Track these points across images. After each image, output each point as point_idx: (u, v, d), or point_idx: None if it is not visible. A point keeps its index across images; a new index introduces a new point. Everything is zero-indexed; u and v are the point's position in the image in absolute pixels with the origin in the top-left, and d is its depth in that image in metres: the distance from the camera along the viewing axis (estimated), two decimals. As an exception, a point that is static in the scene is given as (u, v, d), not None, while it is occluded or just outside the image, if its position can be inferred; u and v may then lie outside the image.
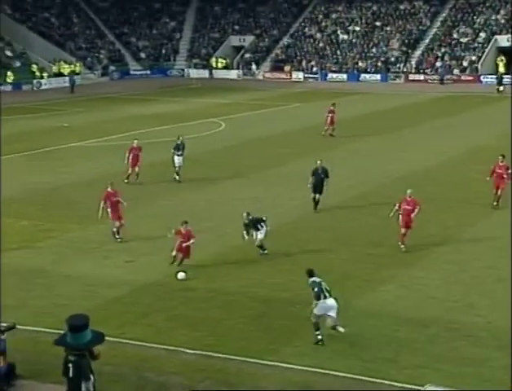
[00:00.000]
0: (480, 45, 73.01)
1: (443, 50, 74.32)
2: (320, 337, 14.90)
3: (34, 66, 71.19)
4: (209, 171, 31.64)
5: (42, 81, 69.96)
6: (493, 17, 75.27)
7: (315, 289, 15.14)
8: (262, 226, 20.19)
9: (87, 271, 19.62)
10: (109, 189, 22.43)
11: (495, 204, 24.43)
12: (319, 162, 24.89)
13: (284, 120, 46.92)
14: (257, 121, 47.31)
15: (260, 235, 20.09)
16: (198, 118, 47.37)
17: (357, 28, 79.82)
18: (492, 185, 24.56)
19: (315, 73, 75.29)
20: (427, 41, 76.02)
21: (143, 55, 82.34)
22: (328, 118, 39.77)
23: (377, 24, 79.67)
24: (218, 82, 72.41)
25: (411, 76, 71.53)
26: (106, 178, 26.72)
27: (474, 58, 71.87)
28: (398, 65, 74.02)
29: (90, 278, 19.09)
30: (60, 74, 71.91)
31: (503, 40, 71.94)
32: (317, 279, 15.44)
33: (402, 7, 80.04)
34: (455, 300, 17.25)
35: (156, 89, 67.21)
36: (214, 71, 78.66)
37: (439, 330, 15.74)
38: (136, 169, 29.27)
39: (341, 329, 14.99)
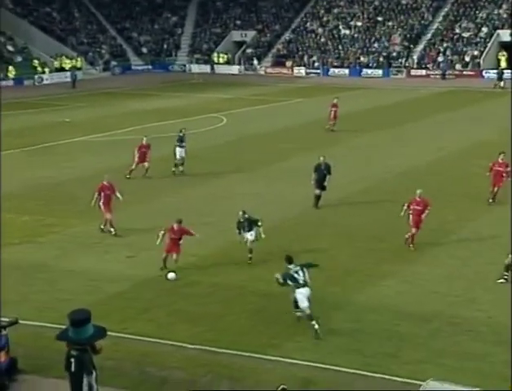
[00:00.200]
0: (482, 40, 72.88)
1: (445, 44, 74.20)
2: (316, 327, 14.90)
3: (36, 61, 71.19)
4: (210, 166, 31.65)
5: (44, 76, 69.96)
6: (495, 12, 75.11)
7: (295, 275, 15.30)
8: (254, 228, 19.57)
9: (89, 266, 19.65)
10: (105, 182, 22.59)
11: (490, 201, 24.38)
12: (322, 158, 24.85)
13: (286, 116, 46.90)
14: (258, 117, 47.29)
15: (251, 237, 19.51)
16: (200, 113, 47.35)
17: (359, 23, 79.71)
18: (490, 182, 24.52)
19: (317, 68, 75.23)
20: (429, 35, 75.91)
21: (144, 50, 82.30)
22: (332, 112, 39.77)
23: (379, 18, 79.54)
24: (219, 77, 72.37)
25: (413, 72, 71.43)
26: (110, 173, 26.80)
27: (476, 53, 71.76)
28: (400, 60, 73.92)
29: (92, 273, 19.13)
30: (62, 69, 71.91)
31: (505, 34, 71.73)
32: (296, 267, 15.52)
33: (404, 2, 79.90)
34: (457, 295, 17.27)
35: (157, 84, 67.18)
36: (215, 66, 78.61)
37: (441, 325, 15.76)
38: (146, 164, 29.39)
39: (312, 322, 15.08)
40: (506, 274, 17.56)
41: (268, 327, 15.78)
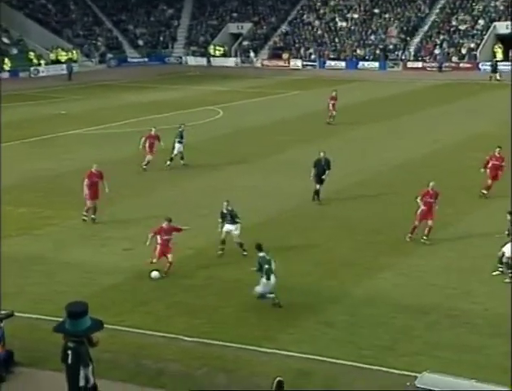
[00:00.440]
0: (479, 32, 72.82)
1: (441, 37, 74.12)
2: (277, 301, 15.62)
3: (31, 53, 70.95)
4: (208, 159, 31.62)
5: (40, 68, 69.73)
6: (492, 4, 75.02)
7: (266, 266, 15.70)
8: (237, 222, 19.35)
9: (86, 258, 19.64)
10: (93, 169, 22.75)
11: (484, 192, 24.32)
12: (322, 154, 24.78)
13: (283, 108, 46.83)
14: (255, 109, 47.23)
15: (236, 232, 19.28)
16: (196, 106, 47.27)
17: (355, 16, 79.55)
18: (488, 175, 24.47)
19: (314, 61, 75.10)
20: (426, 28, 75.82)
21: (140, 43, 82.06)
22: (330, 105, 39.78)
23: (376, 11, 79.40)
24: (216, 70, 72.22)
25: (409, 64, 71.37)
26: (109, 165, 26.85)
27: (472, 45, 71.69)
28: (396, 53, 73.82)
29: (88, 265, 19.12)
30: (58, 61, 71.66)
31: (502, 27, 71.72)
32: (267, 256, 15.78)
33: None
34: (453, 288, 17.29)
35: (154, 76, 67.03)
36: (212, 58, 78.41)
37: (438, 317, 15.78)
38: (149, 156, 29.36)
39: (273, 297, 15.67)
40: (501, 266, 17.60)
41: (264, 319, 15.80)
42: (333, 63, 73.74)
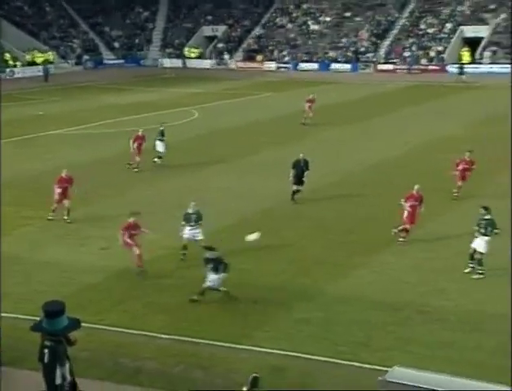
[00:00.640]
0: (446, 35, 73.50)
1: (410, 40, 74.68)
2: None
3: (7, 55, 70.18)
4: (183, 159, 31.49)
5: (16, 69, 69.02)
6: (459, 8, 75.79)
7: (212, 265, 16.11)
8: (199, 224, 19.17)
9: (64, 258, 19.45)
10: (63, 174, 22.87)
11: (456, 194, 24.45)
12: (301, 155, 24.77)
13: (257, 110, 46.83)
14: (230, 110, 47.16)
15: (200, 237, 19.03)
16: (172, 107, 47.08)
17: (327, 19, 79.87)
18: (458, 177, 24.56)
19: (287, 63, 75.24)
20: (396, 31, 76.34)
21: (116, 45, 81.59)
22: (307, 106, 39.93)
23: (347, 14, 79.78)
24: (191, 72, 72.01)
25: (380, 66, 71.79)
26: (89, 165, 26.65)
27: (440, 48, 72.33)
28: (367, 55, 74.24)
29: (66, 264, 18.93)
30: (34, 63, 70.99)
31: (469, 30, 72.52)
32: (213, 256, 16.15)
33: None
34: (426, 285, 17.34)
35: (130, 78, 66.64)
36: (187, 61, 78.21)
37: (411, 313, 15.83)
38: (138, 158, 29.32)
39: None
40: (472, 262, 17.71)
41: (239, 317, 15.76)
42: (305, 65, 73.93)
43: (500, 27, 72.32)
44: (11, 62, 69.56)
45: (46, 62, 69.90)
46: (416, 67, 70.17)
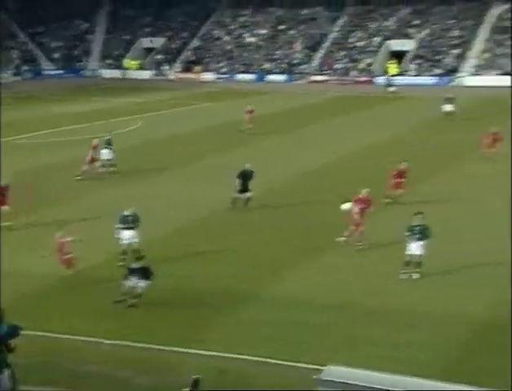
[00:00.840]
0: (374, 49, 74.88)
1: (341, 53, 75.77)
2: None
3: None
4: (126, 168, 31.02)
5: (-48, 79, 66.99)
6: (385, 23, 77.37)
7: (136, 273, 16.08)
8: (136, 226, 18.90)
9: (4, 265, 18.84)
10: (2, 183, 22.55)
11: (389, 200, 24.28)
12: (247, 165, 24.67)
13: (198, 119, 46.60)
14: (171, 120, 46.81)
15: (136, 239, 18.83)
16: (113, 117, 46.43)
17: (263, 31, 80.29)
18: (393, 185, 24.45)
19: (224, 74, 75.25)
20: (327, 44, 77.31)
21: (56, 56, 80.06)
22: (246, 117, 40.10)
23: (281, 27, 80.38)
24: (130, 82, 71.23)
25: (313, 78, 72.52)
26: (36, 173, 25.89)
27: (369, 61, 73.63)
28: (301, 67, 74.94)
29: (7, 272, 18.33)
30: (-29, 73, 69.09)
31: (395, 44, 74.10)
32: (139, 265, 16.13)
33: (303, 12, 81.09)
34: (368, 286, 17.35)
35: (69, 89, 65.49)
36: (126, 71, 77.36)
37: (353, 314, 15.76)
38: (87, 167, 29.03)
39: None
40: (406, 268, 17.60)
41: (183, 320, 15.53)
42: (242, 76, 74.08)
43: (424, 41, 74.14)
44: None
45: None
46: (346, 78, 71.20)
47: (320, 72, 73.70)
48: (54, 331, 14.89)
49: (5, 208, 22.20)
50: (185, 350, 14.04)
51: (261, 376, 13.13)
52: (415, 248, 17.47)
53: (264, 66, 75.41)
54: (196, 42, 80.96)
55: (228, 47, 79.32)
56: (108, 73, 77.27)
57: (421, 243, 17.46)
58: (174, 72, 77.00)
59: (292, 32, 79.50)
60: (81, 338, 14.61)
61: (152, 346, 14.21)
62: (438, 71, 69.98)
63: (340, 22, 79.47)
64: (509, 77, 64.82)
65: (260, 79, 72.96)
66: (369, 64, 73.03)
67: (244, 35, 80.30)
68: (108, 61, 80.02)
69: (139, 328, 15.15)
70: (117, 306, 16.15)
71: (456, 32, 73.95)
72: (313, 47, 76.85)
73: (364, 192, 20.28)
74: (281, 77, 73.05)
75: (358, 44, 76.10)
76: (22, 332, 10.68)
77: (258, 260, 19.37)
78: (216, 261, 19.29)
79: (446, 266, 17.92)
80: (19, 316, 12.49)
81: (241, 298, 16.59)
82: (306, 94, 61.35)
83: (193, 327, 15.18)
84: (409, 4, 77.47)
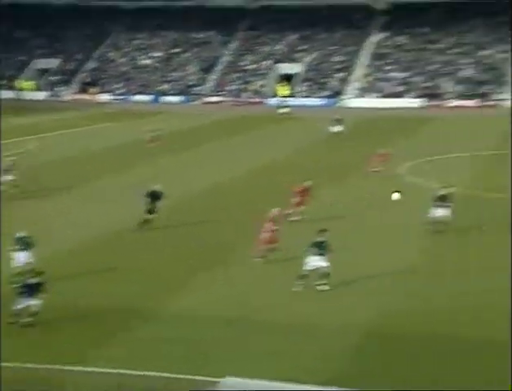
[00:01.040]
0: (265, 71, 76.28)
1: (234, 75, 76.64)
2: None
3: None
4: (23, 189, 29.91)
5: None
6: (275, 47, 79.04)
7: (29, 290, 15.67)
8: (30, 248, 18.49)
9: None
10: None
11: (295, 218, 24.05)
12: (156, 186, 24.31)
13: (96, 139, 45.70)
14: (69, 140, 45.67)
15: (28, 259, 18.32)
16: (10, 137, 44.68)
17: (158, 54, 79.98)
18: (297, 203, 24.26)
19: (121, 95, 74.27)
20: (220, 67, 78.00)
21: None
22: (148, 137, 39.92)
23: (177, 50, 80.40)
24: (25, 103, 68.91)
25: (208, 99, 72.88)
26: None
27: (260, 83, 74.88)
28: (196, 88, 75.15)
29: None
30: None
31: (285, 67, 75.83)
32: (34, 281, 15.79)
33: (197, 36, 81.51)
34: (260, 300, 17.40)
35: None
36: (21, 92, 74.79)
37: (252, 327, 15.78)
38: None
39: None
40: (301, 281, 17.78)
41: (81, 338, 15.15)
42: (139, 97, 73.37)
43: (311, 65, 76.26)
44: None
45: None
46: (239, 100, 72.04)
47: (215, 93, 74.21)
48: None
49: None
50: (84, 369, 13.66)
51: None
52: (318, 260, 17.61)
53: (160, 87, 75.06)
54: (91, 64, 79.55)
55: (124, 69, 78.42)
56: (1, 94, 74.40)
57: (323, 257, 17.63)
58: (69, 93, 75.19)
59: (186, 54, 79.68)
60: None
61: (42, 366, 13.70)
62: (325, 93, 72.13)
63: (232, 46, 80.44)
64: (388, 99, 67.87)
65: (156, 100, 72.53)
66: (261, 86, 74.27)
67: (139, 57, 79.67)
68: (1, 82, 77.12)
69: (37, 348, 14.62)
70: (13, 327, 15.52)
71: (339, 58, 76.58)
72: (207, 69, 77.33)
73: (273, 211, 20.42)
74: (177, 99, 72.94)
75: (249, 67, 77.30)
76: None
77: (157, 278, 19.18)
78: (116, 279, 18.95)
79: (341, 279, 18.18)
80: None
81: (141, 316, 16.38)
82: (202, 114, 61.55)
83: (93, 344, 14.81)
84: (296, 30, 79.56)
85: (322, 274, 17.67)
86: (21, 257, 18.37)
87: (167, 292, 18.12)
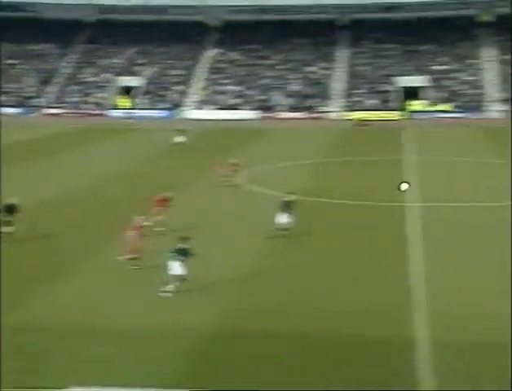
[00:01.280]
0: (105, 84, 74.91)
1: (74, 87, 74.44)
2: None
3: None
4: None
5: None
6: (115, 61, 77.90)
7: None
8: None
9: None
10: None
11: (160, 228, 23.23)
12: (13, 199, 23.03)
13: None
14: None
15: None
16: None
17: (-7, 66, 75.79)
18: (157, 213, 23.75)
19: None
20: (60, 79, 75.43)
21: None
22: None
23: (14, 61, 76.58)
24: None
25: (48, 110, 70.16)
26: None
27: (101, 95, 73.39)
28: (35, 100, 72.07)
29: None
30: None
31: (125, 80, 74.97)
32: None
33: (34, 48, 78.24)
34: (118, 307, 16.87)
35: None
36: None
37: (99, 335, 15.17)
38: None
39: None
40: (167, 287, 17.51)
41: None
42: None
43: (151, 78, 76.06)
44: None
45: None
46: (78, 111, 70.16)
47: (55, 105, 71.62)
48: None
49: None
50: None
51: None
52: (175, 268, 17.72)
53: (-2, 99, 71.15)
54: None
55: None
56: None
57: (181, 263, 17.71)
58: None
59: (23, 66, 76.13)
60: None
61: None
62: (165, 105, 72.27)
63: (70, 58, 78.10)
64: (225, 111, 69.49)
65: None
66: (102, 98, 72.81)
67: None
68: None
69: None
70: None
71: (177, 71, 77.14)
72: (45, 81, 74.42)
73: (136, 219, 20.19)
74: (15, 110, 69.46)
75: (89, 79, 75.49)
76: None
77: (6, 290, 17.96)
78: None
79: (194, 284, 17.99)
80: None
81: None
82: (43, 126, 59.02)
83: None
84: (135, 44, 79.01)
85: (179, 281, 17.69)
86: None
87: (12, 303, 16.96)
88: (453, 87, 71.64)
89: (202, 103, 72.99)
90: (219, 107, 71.95)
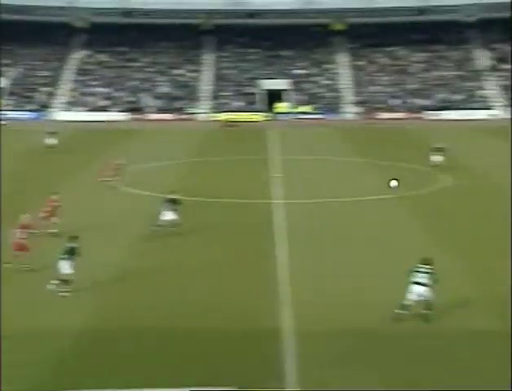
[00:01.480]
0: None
1: None
2: None
3: None
4: None
5: None
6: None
7: None
8: None
9: None
10: None
11: (54, 230, 22.63)
12: None
13: None
14: None
15: None
16: None
17: None
18: (49, 216, 22.86)
19: None
20: None
21: None
22: None
23: None
24: None
25: None
26: None
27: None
28: None
29: None
30: None
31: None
32: None
33: None
34: (14, 309, 16.52)
35: None
36: None
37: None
38: None
39: None
40: (59, 287, 17.25)
41: None
42: None
43: (16, 79, 72.85)
44: None
45: None
46: None
47: None
48: None
49: None
50: None
51: None
52: (65, 267, 17.41)
53: None
54: None
55: None
56: None
57: (71, 263, 17.49)
58: None
59: None
60: None
61: None
62: (32, 106, 69.55)
63: None
64: (95, 113, 68.09)
65: None
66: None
67: None
68: None
69: None
70: None
71: (44, 73, 74.46)
72: None
73: (23, 217, 19.59)
74: None
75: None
76: None
77: None
78: None
79: (83, 284, 17.91)
80: None
81: None
82: None
83: None
84: (-2, 44, 75.20)
85: (66, 280, 17.51)
86: None
87: None
88: (312, 90, 74.84)
89: (70, 105, 71.07)
90: (88, 108, 70.41)
